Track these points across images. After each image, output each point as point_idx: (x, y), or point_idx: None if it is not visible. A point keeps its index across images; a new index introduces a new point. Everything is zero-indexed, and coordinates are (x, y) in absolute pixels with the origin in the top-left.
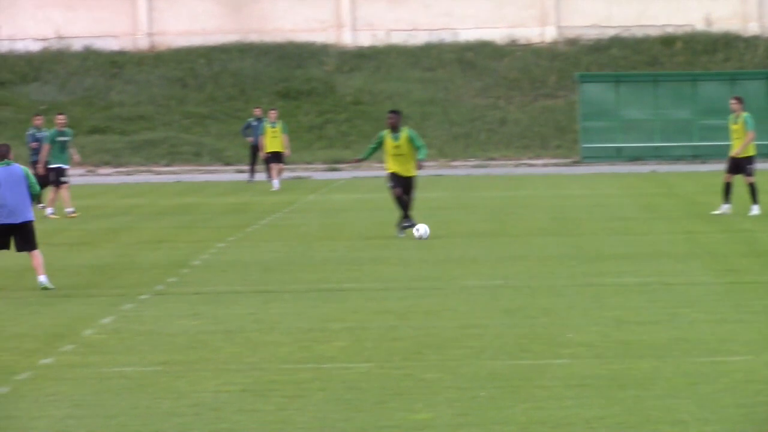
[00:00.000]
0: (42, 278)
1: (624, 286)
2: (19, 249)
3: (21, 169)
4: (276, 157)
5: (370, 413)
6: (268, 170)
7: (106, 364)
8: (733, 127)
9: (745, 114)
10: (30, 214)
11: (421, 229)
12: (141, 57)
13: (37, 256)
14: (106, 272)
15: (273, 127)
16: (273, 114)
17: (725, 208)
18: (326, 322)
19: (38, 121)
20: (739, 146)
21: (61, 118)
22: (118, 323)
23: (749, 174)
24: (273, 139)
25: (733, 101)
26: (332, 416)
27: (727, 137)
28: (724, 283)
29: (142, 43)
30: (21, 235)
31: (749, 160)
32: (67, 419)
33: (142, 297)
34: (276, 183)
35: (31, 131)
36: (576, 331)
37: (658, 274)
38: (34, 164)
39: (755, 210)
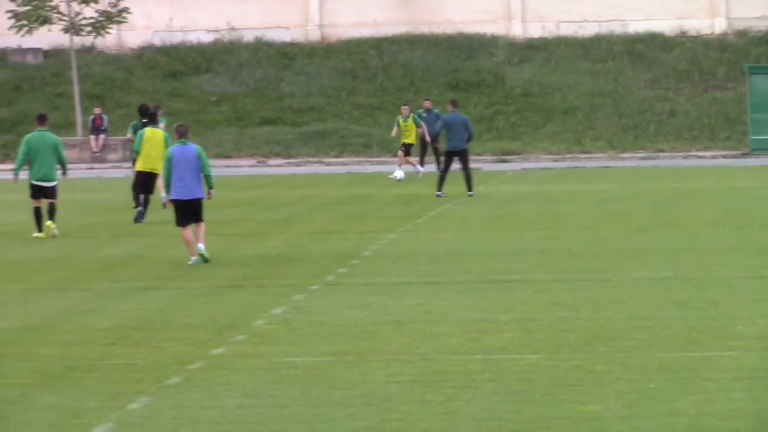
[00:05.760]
0: (201, 245)
1: None
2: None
3: (195, 149)
4: (407, 149)
5: (539, 404)
6: (400, 159)
7: (276, 355)
8: None
9: None
10: (200, 192)
11: None
12: (312, 48)
13: (202, 228)
14: (276, 263)
15: (405, 121)
16: (405, 109)
17: None
18: (495, 313)
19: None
20: None
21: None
22: (288, 314)
23: None
24: (405, 132)
25: None
26: (501, 407)
27: None
28: None
29: (313, 35)
30: (191, 210)
31: None
32: (239, 409)
33: (313, 287)
34: (400, 173)
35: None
36: (745, 323)
37: None
38: None
39: None
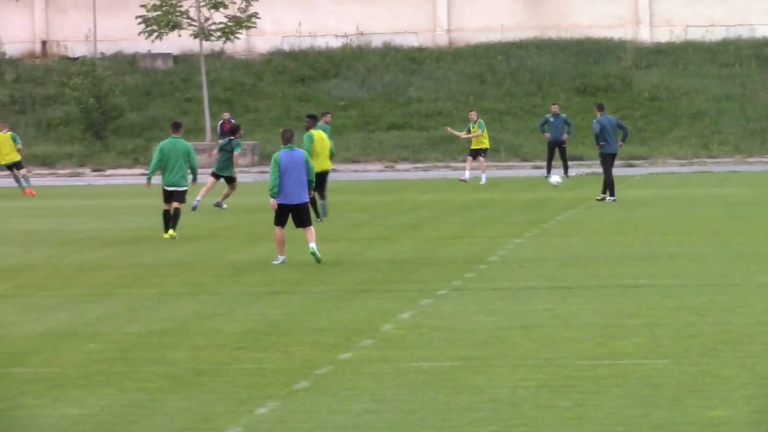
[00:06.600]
0: (312, 245)
1: None
2: (297, 225)
3: (302, 154)
4: (475, 154)
5: (666, 410)
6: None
7: (404, 359)
8: None
9: None
10: (305, 196)
11: None
12: (440, 53)
13: (311, 230)
14: (404, 267)
15: (472, 127)
16: (472, 115)
17: None
18: (622, 318)
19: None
20: None
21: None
22: (416, 318)
23: None
24: (473, 139)
25: None
26: (629, 413)
27: None
28: None
29: (441, 40)
30: (297, 215)
31: None
32: (366, 414)
33: (440, 292)
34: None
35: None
36: None
37: None
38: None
39: None
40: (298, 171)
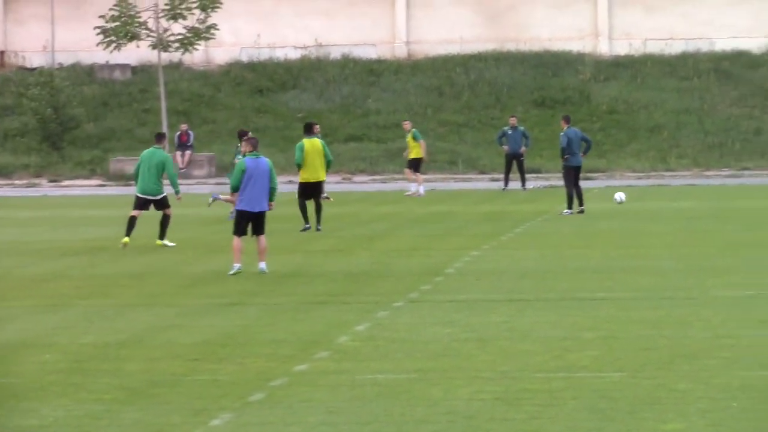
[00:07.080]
0: (262, 265)
1: None
2: (252, 233)
3: (267, 162)
4: (411, 165)
5: (622, 423)
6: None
7: (360, 371)
8: None
9: None
10: (265, 205)
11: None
12: (398, 65)
13: (264, 243)
14: (361, 279)
15: (406, 137)
16: (406, 125)
17: None
18: (579, 331)
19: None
20: None
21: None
22: (372, 330)
23: None
24: (411, 149)
25: None
26: (584, 425)
27: None
28: None
29: (400, 52)
30: (255, 222)
31: None
32: (321, 426)
33: (397, 304)
34: (418, 188)
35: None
36: None
37: None
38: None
39: None
40: (262, 179)
